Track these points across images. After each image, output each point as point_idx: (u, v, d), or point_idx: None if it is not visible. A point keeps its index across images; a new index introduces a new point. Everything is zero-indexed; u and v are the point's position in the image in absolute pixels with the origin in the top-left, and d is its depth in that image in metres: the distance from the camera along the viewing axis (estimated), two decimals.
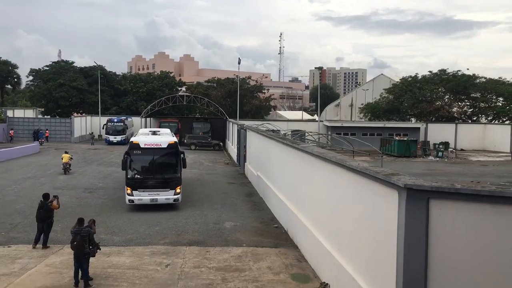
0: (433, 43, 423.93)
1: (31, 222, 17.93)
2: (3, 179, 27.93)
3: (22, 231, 16.89)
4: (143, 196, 19.89)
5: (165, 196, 19.98)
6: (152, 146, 20.19)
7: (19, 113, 67.73)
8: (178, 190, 20.20)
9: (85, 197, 23.22)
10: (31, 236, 16.19)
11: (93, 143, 53.71)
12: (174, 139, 21.24)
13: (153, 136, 22.25)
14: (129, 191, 19.96)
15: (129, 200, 19.96)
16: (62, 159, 31.12)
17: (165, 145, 20.34)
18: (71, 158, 31.55)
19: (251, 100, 72.65)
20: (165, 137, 21.46)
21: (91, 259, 12.31)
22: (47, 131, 54.71)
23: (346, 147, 30.11)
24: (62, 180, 28.07)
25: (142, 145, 20.15)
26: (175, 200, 20.15)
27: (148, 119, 60.62)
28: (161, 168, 20.45)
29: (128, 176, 20.05)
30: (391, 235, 8.11)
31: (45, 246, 14.98)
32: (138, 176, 20.11)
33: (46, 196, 15.58)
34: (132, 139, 20.86)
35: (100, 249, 12.67)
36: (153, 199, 19.94)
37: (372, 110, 69.85)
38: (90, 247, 12.15)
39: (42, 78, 69.04)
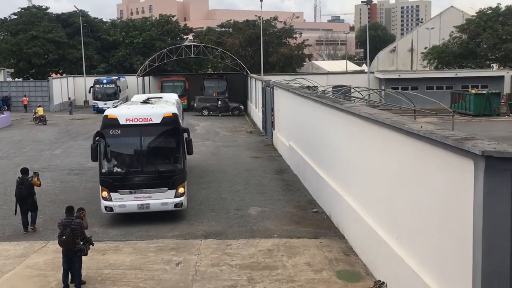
0: None
1: (5, 213, 18.55)
2: None
3: None
4: (127, 201, 17.03)
5: (161, 199, 17.15)
6: (138, 122, 17.09)
7: None
8: (181, 190, 17.34)
9: (71, 181, 23.78)
10: (6, 231, 16.80)
11: (71, 111, 54.10)
12: (172, 110, 18.23)
13: (140, 106, 19.59)
14: (105, 194, 17.03)
15: (105, 207, 17.13)
16: (37, 113, 45.36)
17: (157, 120, 17.22)
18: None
19: (279, 48, 72.18)
20: (159, 108, 18.57)
21: (84, 258, 12.66)
22: (25, 98, 55.52)
23: (406, 105, 29.85)
24: (42, 159, 28.74)
25: (122, 121, 17.03)
26: (177, 205, 17.35)
27: (146, 78, 61.00)
28: (154, 157, 17.71)
29: (103, 171, 17.20)
30: (466, 218, 8.09)
31: (33, 225, 16.80)
32: (118, 170, 17.30)
33: (25, 170, 16.91)
34: (108, 112, 17.90)
35: (93, 245, 13.02)
36: (142, 204, 17.10)
37: (440, 55, 68.59)
38: (81, 242, 12.50)
39: (9, 29, 69.93)
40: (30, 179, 16.68)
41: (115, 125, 17.04)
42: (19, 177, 16.85)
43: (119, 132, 17.09)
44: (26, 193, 16.57)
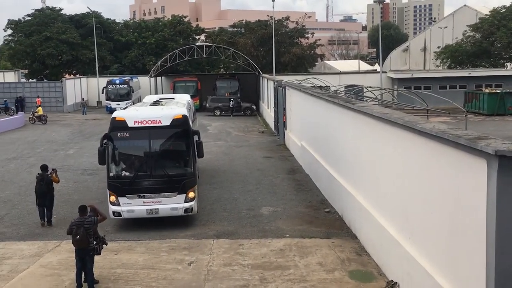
0: None
1: (20, 213, 18.72)
2: None
3: (10, 225, 17.59)
4: (135, 206, 16.57)
5: (170, 204, 16.65)
6: (147, 125, 16.66)
7: None
8: (191, 195, 16.82)
9: (84, 180, 23.94)
10: (20, 230, 16.92)
11: (85, 112, 54.61)
12: (182, 111, 17.67)
13: (150, 107, 18.95)
14: (113, 199, 16.66)
15: (113, 212, 16.69)
16: (37, 112, 47.45)
17: (167, 122, 16.75)
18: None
19: (291, 48, 72.16)
20: (169, 109, 18.03)
21: (96, 258, 12.75)
22: (38, 99, 55.85)
23: (418, 105, 29.69)
24: (56, 160, 28.93)
25: (130, 123, 16.61)
26: (186, 210, 16.79)
27: (158, 78, 61.25)
28: (163, 160, 17.21)
29: (111, 175, 16.78)
30: (479, 218, 8.05)
31: (49, 223, 17.35)
32: (126, 174, 16.81)
33: (44, 167, 17.77)
34: (116, 114, 17.40)
35: (106, 244, 13.10)
36: (151, 209, 16.61)
37: (453, 55, 68.19)
38: (95, 242, 12.58)
39: (23, 31, 70.53)
40: (50, 175, 17.46)
41: (123, 127, 16.64)
42: (39, 173, 17.56)
43: (127, 134, 16.66)
44: (45, 189, 17.29)
